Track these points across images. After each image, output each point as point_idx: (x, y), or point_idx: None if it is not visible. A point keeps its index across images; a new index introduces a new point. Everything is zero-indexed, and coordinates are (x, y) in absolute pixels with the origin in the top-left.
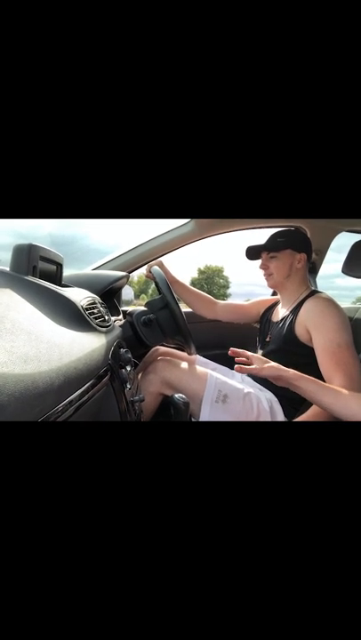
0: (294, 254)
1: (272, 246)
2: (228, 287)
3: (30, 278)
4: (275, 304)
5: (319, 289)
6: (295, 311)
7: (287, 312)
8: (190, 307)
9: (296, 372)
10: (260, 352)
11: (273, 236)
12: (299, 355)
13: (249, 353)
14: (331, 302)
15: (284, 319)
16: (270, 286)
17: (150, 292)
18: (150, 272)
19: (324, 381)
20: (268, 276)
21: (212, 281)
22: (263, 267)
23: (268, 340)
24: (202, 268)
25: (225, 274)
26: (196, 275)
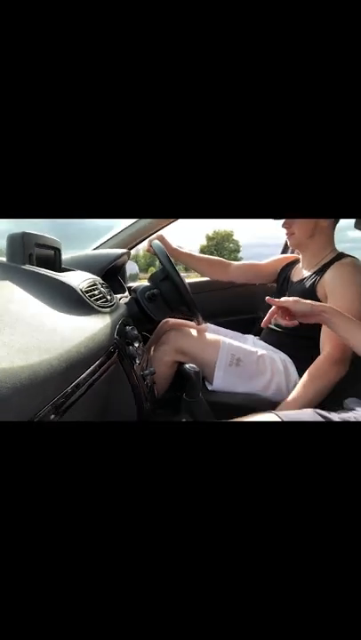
0: None
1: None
2: (239, 251)
3: (27, 267)
4: (294, 262)
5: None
6: (320, 273)
7: (310, 273)
8: (203, 274)
9: (331, 306)
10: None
11: None
12: None
13: (283, 299)
14: (357, 269)
15: (305, 279)
16: (292, 246)
17: (157, 263)
18: (150, 246)
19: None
20: (291, 235)
21: (222, 246)
22: (286, 225)
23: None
24: (210, 234)
25: (235, 238)
26: (204, 242)
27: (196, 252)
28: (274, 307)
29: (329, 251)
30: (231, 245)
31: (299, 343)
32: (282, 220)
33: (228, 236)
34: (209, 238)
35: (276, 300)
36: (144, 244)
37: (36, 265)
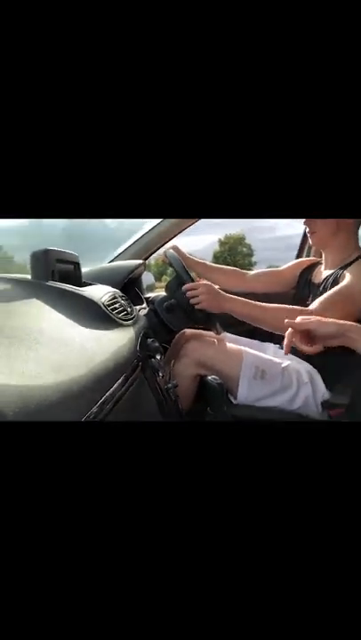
0: None
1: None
2: (252, 255)
3: (51, 283)
4: (314, 264)
5: None
6: (341, 271)
7: (332, 271)
8: (217, 284)
9: (358, 325)
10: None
11: None
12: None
13: (303, 318)
14: None
15: (326, 279)
16: (314, 244)
17: (169, 271)
18: (166, 256)
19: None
20: (312, 234)
21: (235, 251)
22: (307, 223)
23: (308, 302)
24: (222, 239)
25: (247, 241)
26: (217, 247)
27: (208, 261)
28: (291, 329)
29: (353, 249)
30: (244, 249)
31: (325, 352)
32: (301, 220)
33: (240, 240)
34: (222, 243)
35: (298, 322)
36: (157, 254)
37: (58, 280)
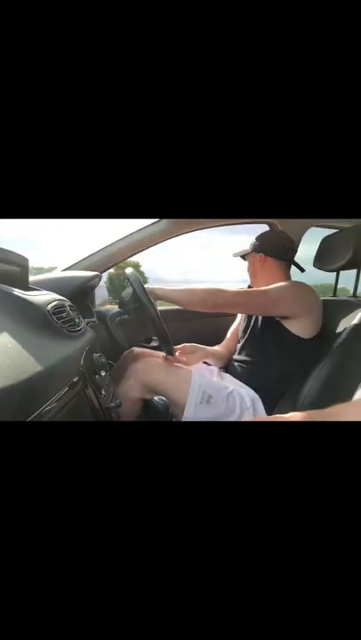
0: (255, 256)
1: (242, 252)
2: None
3: None
4: None
5: None
6: None
7: None
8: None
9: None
10: (242, 341)
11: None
12: (277, 336)
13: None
14: (292, 281)
15: None
16: (251, 283)
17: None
18: (125, 274)
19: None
20: (248, 270)
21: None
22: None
23: (249, 328)
24: (121, 264)
25: (142, 269)
26: (112, 270)
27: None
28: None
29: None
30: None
31: (265, 374)
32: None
33: (135, 267)
34: (118, 267)
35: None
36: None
37: None
